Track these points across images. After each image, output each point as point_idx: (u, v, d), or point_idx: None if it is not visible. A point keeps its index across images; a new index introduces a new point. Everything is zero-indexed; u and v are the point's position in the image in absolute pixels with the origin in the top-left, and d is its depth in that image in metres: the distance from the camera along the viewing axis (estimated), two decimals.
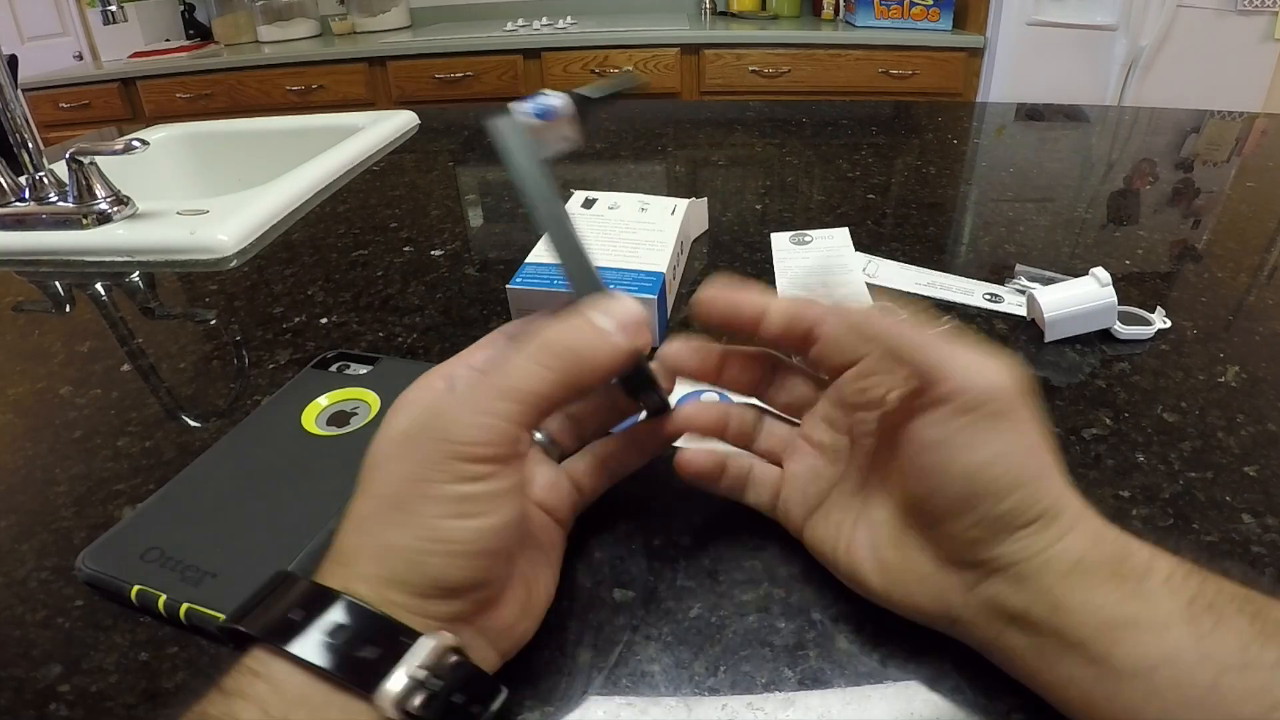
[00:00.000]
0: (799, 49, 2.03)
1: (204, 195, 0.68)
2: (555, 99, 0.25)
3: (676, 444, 0.29)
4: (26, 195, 0.64)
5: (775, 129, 0.86)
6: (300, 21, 2.44)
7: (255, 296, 0.51)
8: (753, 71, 2.05)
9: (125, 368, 0.43)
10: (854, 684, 0.23)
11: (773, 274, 0.50)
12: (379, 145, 0.83)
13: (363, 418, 0.35)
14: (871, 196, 0.64)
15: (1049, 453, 0.21)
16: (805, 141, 0.81)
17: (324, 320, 0.47)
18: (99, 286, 0.55)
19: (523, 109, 0.25)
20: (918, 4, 2.02)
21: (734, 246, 0.55)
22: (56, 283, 0.56)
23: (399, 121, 0.90)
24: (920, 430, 0.22)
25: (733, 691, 0.23)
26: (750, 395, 0.28)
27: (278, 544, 0.27)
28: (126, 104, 2.25)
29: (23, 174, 0.64)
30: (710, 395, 0.35)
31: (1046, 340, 0.41)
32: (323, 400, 0.36)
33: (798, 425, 0.28)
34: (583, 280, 0.23)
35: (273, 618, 0.19)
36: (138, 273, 0.56)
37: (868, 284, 0.47)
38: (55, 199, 0.63)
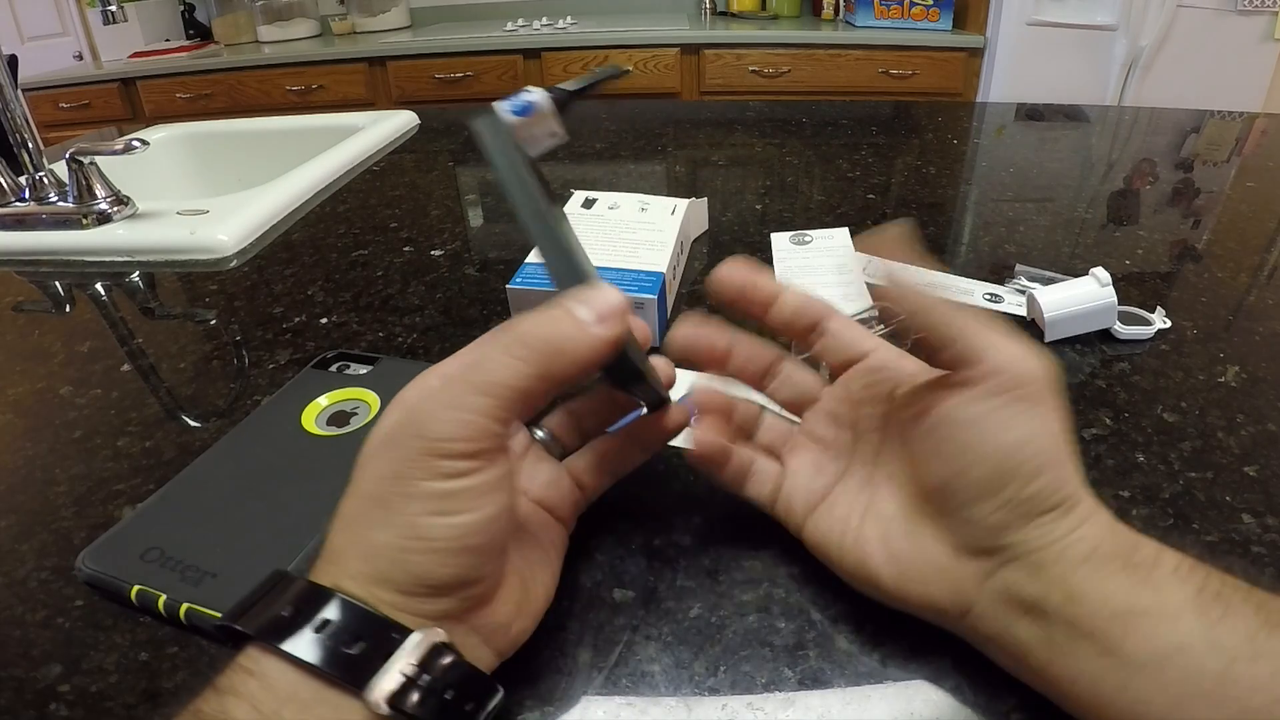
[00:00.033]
0: (799, 49, 2.03)
1: (204, 195, 0.68)
2: (535, 95, 0.25)
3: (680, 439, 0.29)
4: (26, 195, 0.64)
5: (775, 129, 0.86)
6: (300, 21, 2.44)
7: (255, 296, 0.51)
8: (753, 71, 2.05)
9: (125, 368, 0.43)
10: (854, 684, 0.23)
11: (773, 274, 0.50)
12: (379, 145, 0.83)
13: (363, 418, 0.35)
14: (871, 196, 0.64)
15: (1070, 444, 0.22)
16: (805, 141, 0.81)
17: (324, 320, 0.47)
18: (99, 286, 0.55)
19: (504, 107, 0.25)
20: (918, 4, 2.02)
21: (734, 246, 0.55)
22: (56, 283, 0.56)
23: (399, 121, 0.90)
24: (953, 409, 0.22)
25: (733, 691, 0.23)
26: (753, 387, 0.29)
27: (278, 544, 0.27)
28: (126, 104, 2.25)
29: (23, 174, 0.64)
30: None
31: (1046, 340, 0.40)
32: (323, 400, 0.36)
33: (798, 423, 0.28)
34: (565, 273, 0.23)
35: (266, 616, 0.19)
36: (138, 273, 0.56)
37: (868, 284, 0.47)
38: (55, 199, 0.63)
